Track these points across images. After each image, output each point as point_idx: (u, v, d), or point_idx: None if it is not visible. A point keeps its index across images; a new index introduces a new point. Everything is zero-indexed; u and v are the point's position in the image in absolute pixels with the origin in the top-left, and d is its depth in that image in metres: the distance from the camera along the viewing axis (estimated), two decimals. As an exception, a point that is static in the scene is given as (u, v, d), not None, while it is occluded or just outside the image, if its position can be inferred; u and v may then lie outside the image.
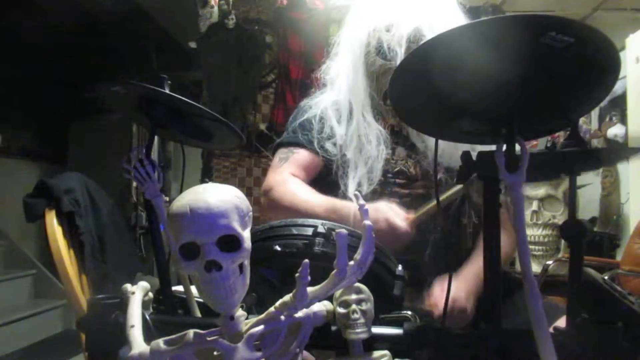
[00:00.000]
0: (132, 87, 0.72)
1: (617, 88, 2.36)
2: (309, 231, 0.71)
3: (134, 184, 4.12)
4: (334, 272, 0.50)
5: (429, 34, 1.08)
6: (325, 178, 1.15)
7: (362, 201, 0.53)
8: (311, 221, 0.73)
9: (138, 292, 0.60)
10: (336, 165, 1.13)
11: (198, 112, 0.75)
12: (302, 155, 1.18)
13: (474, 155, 0.59)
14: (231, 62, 2.89)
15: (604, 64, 0.53)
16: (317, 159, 1.17)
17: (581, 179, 0.61)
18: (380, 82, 1.16)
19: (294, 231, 0.72)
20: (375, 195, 1.09)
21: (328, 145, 1.15)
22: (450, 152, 1.05)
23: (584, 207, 3.29)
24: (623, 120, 3.17)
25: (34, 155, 4.31)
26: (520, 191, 0.53)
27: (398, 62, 1.09)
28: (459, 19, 1.13)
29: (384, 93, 1.16)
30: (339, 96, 1.21)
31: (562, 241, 2.98)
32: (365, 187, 1.08)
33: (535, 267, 2.83)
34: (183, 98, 0.71)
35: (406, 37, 1.10)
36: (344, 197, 1.07)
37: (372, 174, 1.09)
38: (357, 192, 0.56)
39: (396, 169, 1.14)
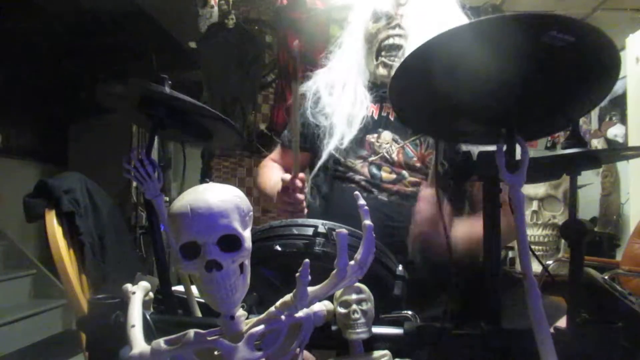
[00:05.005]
0: (132, 87, 0.72)
1: (617, 88, 2.36)
2: (310, 231, 0.71)
3: (134, 184, 4.12)
4: (334, 272, 0.50)
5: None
6: (318, 147, 1.21)
7: (362, 201, 0.53)
8: (312, 221, 0.73)
9: (138, 292, 0.61)
10: (323, 132, 1.19)
11: (198, 111, 0.75)
12: (282, 148, 1.36)
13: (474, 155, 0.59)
14: (231, 62, 2.89)
15: (604, 64, 0.53)
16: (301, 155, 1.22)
17: (581, 179, 0.62)
18: (374, 41, 1.20)
19: (295, 231, 0.72)
20: (365, 194, 1.12)
21: (320, 118, 1.22)
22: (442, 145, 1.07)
23: (584, 207, 3.29)
24: (623, 120, 3.17)
25: (34, 155, 4.30)
26: (521, 191, 0.53)
27: (386, 22, 1.18)
28: (452, 9, 1.18)
29: (375, 51, 1.20)
30: (335, 69, 1.27)
31: (562, 241, 2.97)
32: (346, 141, 1.15)
33: (536, 267, 2.82)
34: (184, 97, 0.71)
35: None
36: (330, 157, 1.16)
37: (351, 127, 1.16)
38: (357, 193, 0.55)
39: (379, 154, 1.16)
